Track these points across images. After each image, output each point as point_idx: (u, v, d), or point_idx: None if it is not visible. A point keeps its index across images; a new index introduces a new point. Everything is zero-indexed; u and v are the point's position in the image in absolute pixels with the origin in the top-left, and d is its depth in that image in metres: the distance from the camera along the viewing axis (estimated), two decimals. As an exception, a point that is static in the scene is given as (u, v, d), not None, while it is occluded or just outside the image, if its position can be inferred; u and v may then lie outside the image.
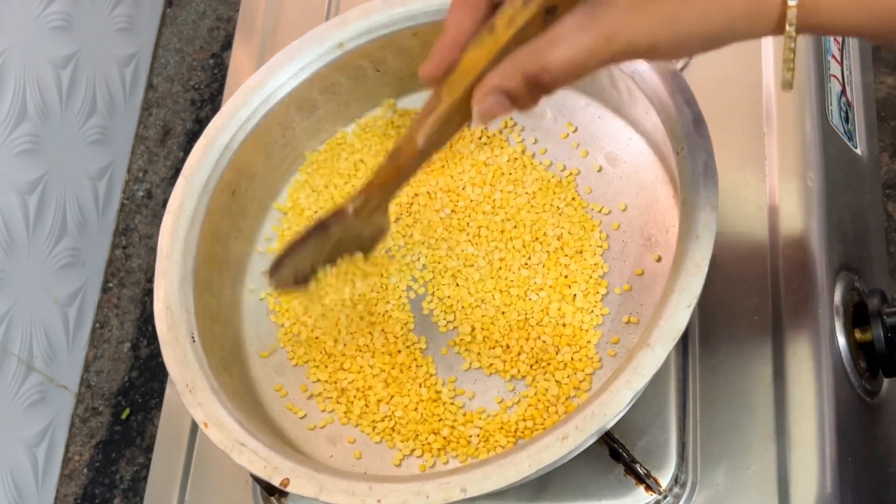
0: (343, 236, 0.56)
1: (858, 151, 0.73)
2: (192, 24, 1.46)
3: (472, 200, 0.66)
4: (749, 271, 0.63)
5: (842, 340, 0.62)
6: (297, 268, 0.57)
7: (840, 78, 0.72)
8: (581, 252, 0.62)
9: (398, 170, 0.51)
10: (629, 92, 0.62)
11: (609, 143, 0.66)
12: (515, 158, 0.67)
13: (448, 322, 0.63)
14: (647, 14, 0.42)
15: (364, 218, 0.54)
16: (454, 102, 0.47)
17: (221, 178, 0.65)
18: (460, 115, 0.47)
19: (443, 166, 0.68)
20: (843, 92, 0.72)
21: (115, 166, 1.35)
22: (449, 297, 0.64)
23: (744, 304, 0.62)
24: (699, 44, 0.43)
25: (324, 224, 0.55)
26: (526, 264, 0.63)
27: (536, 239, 0.64)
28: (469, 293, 0.63)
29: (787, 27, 0.42)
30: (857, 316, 0.63)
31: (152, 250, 1.30)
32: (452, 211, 0.66)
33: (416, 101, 0.71)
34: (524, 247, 0.63)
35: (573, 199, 0.64)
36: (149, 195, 1.36)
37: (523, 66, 0.44)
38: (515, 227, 0.64)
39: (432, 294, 0.64)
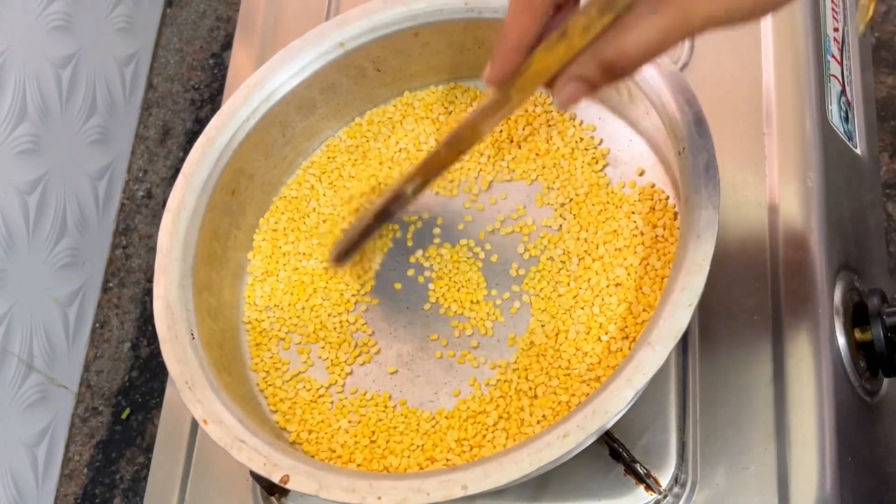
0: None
1: (858, 151, 0.73)
2: (192, 24, 1.46)
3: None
4: (749, 271, 0.63)
5: (842, 340, 0.62)
6: (361, 249, 0.62)
7: (840, 78, 0.72)
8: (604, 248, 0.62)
9: (457, 154, 0.53)
10: (629, 92, 0.62)
11: (609, 144, 0.66)
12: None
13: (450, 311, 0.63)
14: None
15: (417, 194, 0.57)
16: (523, 102, 0.48)
17: (221, 177, 0.65)
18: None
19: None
20: (843, 92, 0.72)
21: (115, 166, 1.35)
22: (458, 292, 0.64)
23: (744, 304, 0.62)
24: (779, 2, 0.43)
25: (388, 212, 0.58)
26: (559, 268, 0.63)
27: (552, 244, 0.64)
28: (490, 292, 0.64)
29: None
30: (857, 316, 0.63)
31: (152, 250, 1.30)
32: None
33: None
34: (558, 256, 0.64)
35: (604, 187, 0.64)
36: (149, 195, 1.36)
37: (600, 53, 0.44)
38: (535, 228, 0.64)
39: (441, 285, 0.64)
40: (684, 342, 0.61)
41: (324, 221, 0.69)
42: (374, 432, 0.60)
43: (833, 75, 0.71)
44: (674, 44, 0.43)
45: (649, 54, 0.44)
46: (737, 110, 0.68)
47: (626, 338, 0.58)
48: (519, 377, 0.60)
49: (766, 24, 0.70)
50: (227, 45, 1.43)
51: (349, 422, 0.61)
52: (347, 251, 0.62)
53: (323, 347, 0.64)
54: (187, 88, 1.41)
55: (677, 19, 0.42)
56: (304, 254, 0.68)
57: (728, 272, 0.63)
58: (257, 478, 0.62)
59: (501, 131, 0.68)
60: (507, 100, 0.48)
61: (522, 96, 0.48)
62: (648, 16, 0.43)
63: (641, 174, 0.63)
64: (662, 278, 0.59)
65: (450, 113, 0.70)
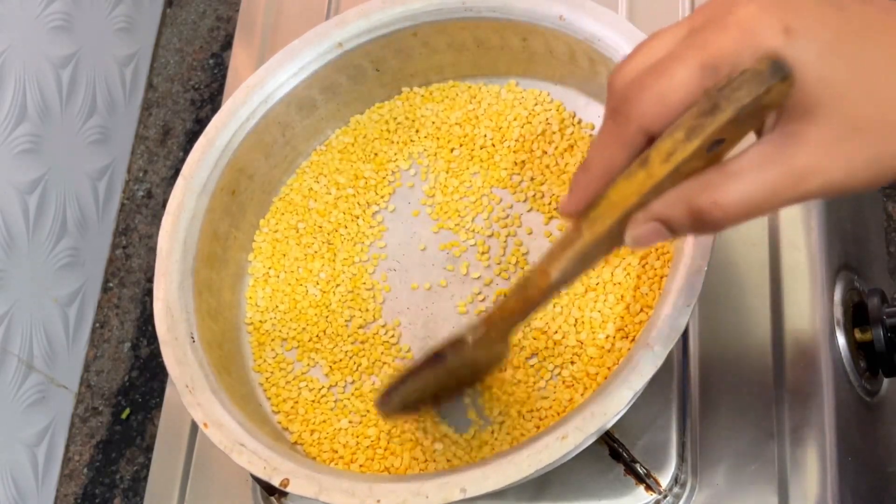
0: (459, 364, 0.53)
1: (858, 151, 0.72)
2: (192, 24, 1.46)
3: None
4: (749, 271, 0.63)
5: (842, 340, 0.62)
6: (407, 396, 0.54)
7: (840, 78, 0.72)
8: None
9: (525, 303, 0.47)
10: (629, 92, 0.62)
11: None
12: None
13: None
14: (847, 154, 0.38)
15: (483, 348, 0.51)
16: (596, 238, 0.43)
17: (221, 178, 0.65)
18: (600, 250, 0.44)
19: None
20: (843, 92, 0.72)
21: (115, 166, 1.35)
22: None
23: (744, 304, 0.62)
24: (893, 177, 0.39)
25: (441, 356, 0.51)
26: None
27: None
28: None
29: None
30: (857, 316, 0.63)
31: (152, 250, 1.30)
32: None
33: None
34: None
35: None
36: (149, 195, 1.36)
37: (691, 197, 0.39)
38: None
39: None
40: (684, 342, 0.61)
41: (326, 222, 0.69)
42: (375, 432, 0.60)
43: (833, 75, 0.71)
44: (779, 206, 0.38)
45: (748, 212, 0.38)
46: (736, 110, 0.67)
47: (626, 337, 0.58)
48: (517, 377, 0.60)
49: (766, 23, 0.70)
50: (227, 45, 1.43)
51: (350, 422, 0.61)
52: (391, 391, 0.54)
53: (323, 352, 0.64)
54: (187, 88, 1.41)
55: (790, 179, 0.38)
56: (304, 255, 0.68)
57: (728, 272, 0.63)
58: (257, 478, 0.62)
59: (494, 135, 0.68)
60: (577, 236, 0.43)
61: (594, 231, 0.42)
62: (757, 167, 0.38)
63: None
64: (661, 278, 0.59)
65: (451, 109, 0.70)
